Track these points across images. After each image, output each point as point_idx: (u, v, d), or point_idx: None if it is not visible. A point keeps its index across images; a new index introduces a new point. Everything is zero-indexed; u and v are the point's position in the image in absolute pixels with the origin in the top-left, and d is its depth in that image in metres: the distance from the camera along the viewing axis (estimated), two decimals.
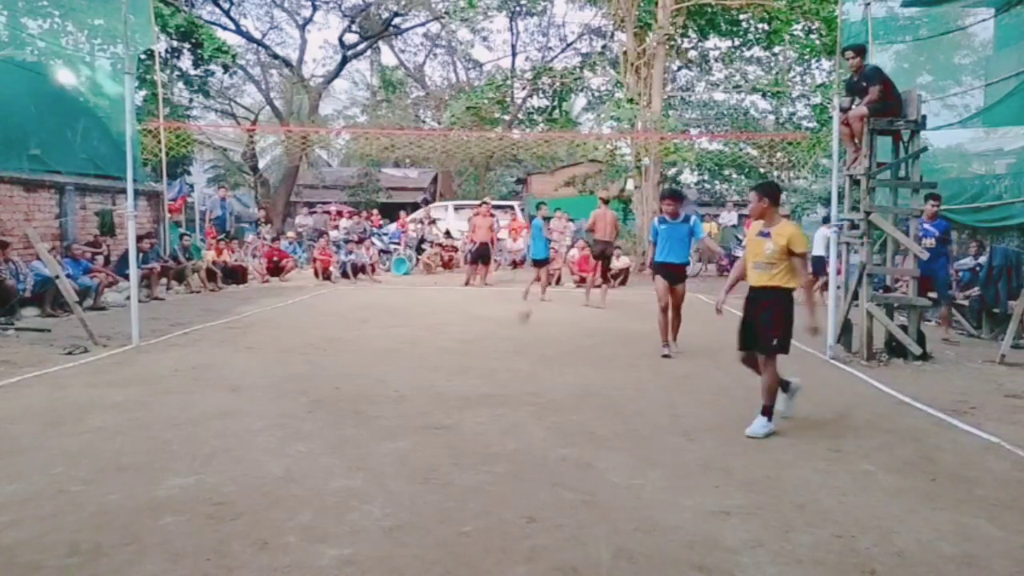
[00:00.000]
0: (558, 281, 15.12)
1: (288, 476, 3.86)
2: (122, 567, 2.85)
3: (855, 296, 7.63)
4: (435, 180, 31.03)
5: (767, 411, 4.76)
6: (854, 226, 7.94)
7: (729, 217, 19.90)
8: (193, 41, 19.14)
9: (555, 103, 23.68)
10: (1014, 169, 11.55)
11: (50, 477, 3.77)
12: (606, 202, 12.29)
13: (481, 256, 14.94)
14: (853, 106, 7.59)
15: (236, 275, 14.41)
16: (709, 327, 9.71)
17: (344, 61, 28.18)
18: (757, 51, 21.59)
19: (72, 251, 10.72)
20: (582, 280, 14.88)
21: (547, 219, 13.90)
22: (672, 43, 18.84)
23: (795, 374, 6.82)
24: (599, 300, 11.66)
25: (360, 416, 5.07)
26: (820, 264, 12.15)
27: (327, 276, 15.22)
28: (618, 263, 14.72)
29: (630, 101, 18.19)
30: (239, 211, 25.83)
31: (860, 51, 7.59)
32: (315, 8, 27.17)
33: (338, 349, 7.59)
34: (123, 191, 9.10)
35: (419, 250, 18.44)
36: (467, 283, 14.82)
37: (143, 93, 17.40)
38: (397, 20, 27.21)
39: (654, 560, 2.98)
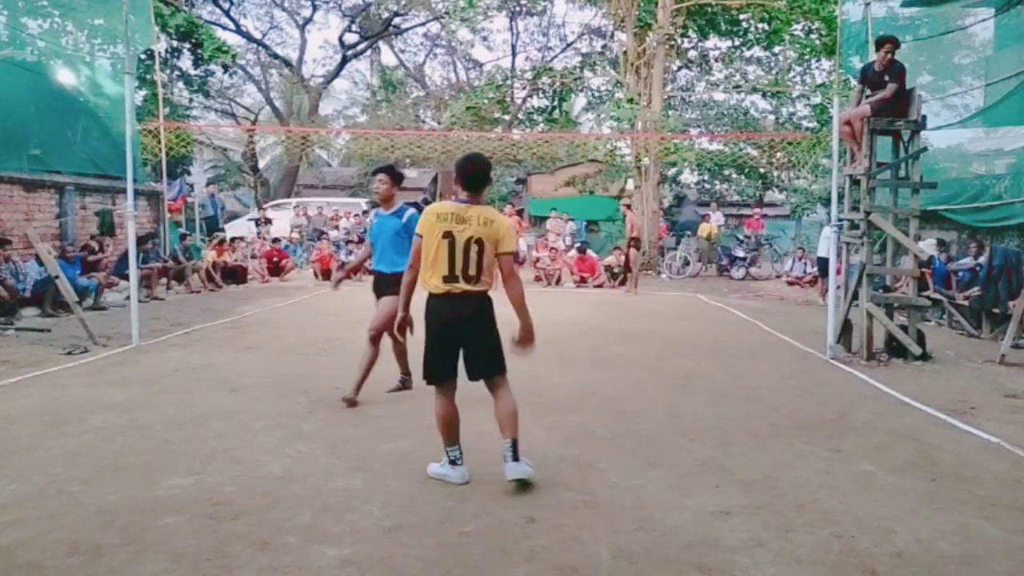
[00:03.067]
0: (558, 281, 15.14)
1: (288, 476, 3.86)
2: (122, 567, 2.85)
3: (855, 296, 7.63)
4: (435, 180, 31.03)
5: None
6: (854, 226, 7.95)
7: (717, 217, 19.88)
8: (193, 41, 19.13)
9: (555, 103, 23.66)
10: (1014, 169, 11.55)
11: (50, 477, 3.77)
12: (628, 207, 15.07)
13: None
14: (863, 96, 7.54)
15: (236, 275, 14.41)
16: (709, 327, 9.72)
17: (344, 61, 28.20)
18: (757, 51, 21.57)
19: (66, 253, 10.70)
20: (582, 280, 14.93)
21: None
22: (672, 43, 18.84)
23: (794, 374, 6.84)
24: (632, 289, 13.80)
25: (360, 416, 5.07)
26: (824, 265, 12.29)
27: (327, 276, 15.22)
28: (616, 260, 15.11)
29: (630, 101, 18.19)
30: (239, 211, 25.87)
31: (897, 45, 7.39)
32: (315, 8, 27.21)
33: (338, 349, 7.59)
34: (123, 191, 9.09)
35: None
36: None
37: (143, 93, 17.40)
38: (397, 20, 27.22)
39: (654, 560, 2.98)
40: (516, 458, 3.70)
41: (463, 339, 3.73)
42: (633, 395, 5.82)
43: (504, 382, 3.80)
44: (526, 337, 3.75)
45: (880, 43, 7.47)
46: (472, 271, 3.63)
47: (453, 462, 3.80)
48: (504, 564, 2.93)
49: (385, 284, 5.33)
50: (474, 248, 3.61)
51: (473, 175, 3.75)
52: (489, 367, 3.79)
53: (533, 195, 27.90)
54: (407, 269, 3.82)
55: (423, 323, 3.79)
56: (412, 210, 5.41)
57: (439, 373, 3.77)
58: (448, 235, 3.62)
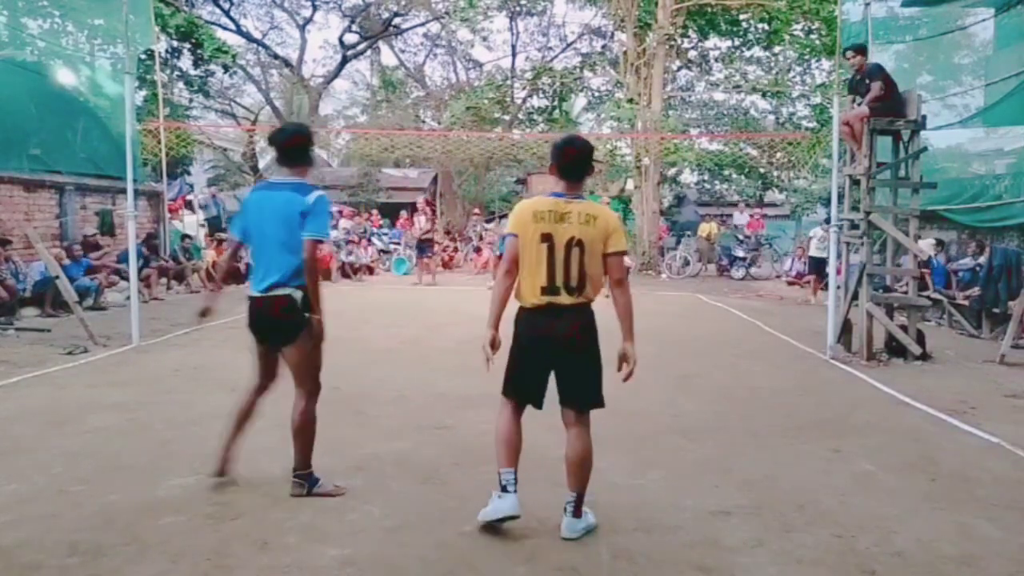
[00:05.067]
0: None
1: (288, 476, 3.85)
2: (122, 567, 2.85)
3: (855, 296, 7.62)
4: (435, 180, 31.03)
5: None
6: (854, 226, 7.95)
7: (742, 218, 19.88)
8: (193, 41, 19.11)
9: (555, 103, 23.69)
10: (1014, 169, 11.55)
11: (50, 477, 3.77)
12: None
13: (423, 251, 15.21)
14: (854, 106, 7.61)
15: (236, 275, 14.38)
16: (709, 327, 9.72)
17: (344, 61, 28.17)
18: (757, 51, 21.60)
19: (73, 252, 10.70)
20: None
21: None
22: (672, 43, 18.85)
23: (794, 374, 6.83)
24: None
25: (360, 416, 5.07)
26: (815, 264, 12.52)
27: (327, 276, 15.23)
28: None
29: (630, 101, 18.20)
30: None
31: (861, 50, 7.63)
32: (315, 8, 27.15)
33: (338, 349, 7.56)
34: (123, 191, 9.09)
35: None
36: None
37: (143, 93, 17.39)
38: (397, 20, 27.20)
39: (654, 560, 2.98)
40: (577, 513, 3.19)
41: (558, 360, 3.14)
42: (633, 395, 5.81)
43: (588, 420, 3.20)
44: (631, 355, 3.24)
45: (854, 52, 7.72)
46: (574, 281, 3.05)
47: (504, 488, 3.14)
48: (504, 564, 2.93)
49: (278, 318, 3.67)
50: (575, 252, 3.03)
51: (575, 161, 3.13)
52: (584, 397, 3.16)
53: (533, 195, 27.93)
54: (503, 275, 3.15)
55: (510, 338, 3.22)
56: (317, 191, 3.57)
57: (522, 394, 3.20)
58: (547, 237, 3.03)
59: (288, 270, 3.47)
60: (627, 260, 14.81)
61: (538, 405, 3.21)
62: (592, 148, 3.24)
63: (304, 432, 3.61)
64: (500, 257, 3.51)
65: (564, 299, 3.07)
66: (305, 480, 3.57)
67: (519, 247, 3.09)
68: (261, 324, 3.60)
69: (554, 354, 3.13)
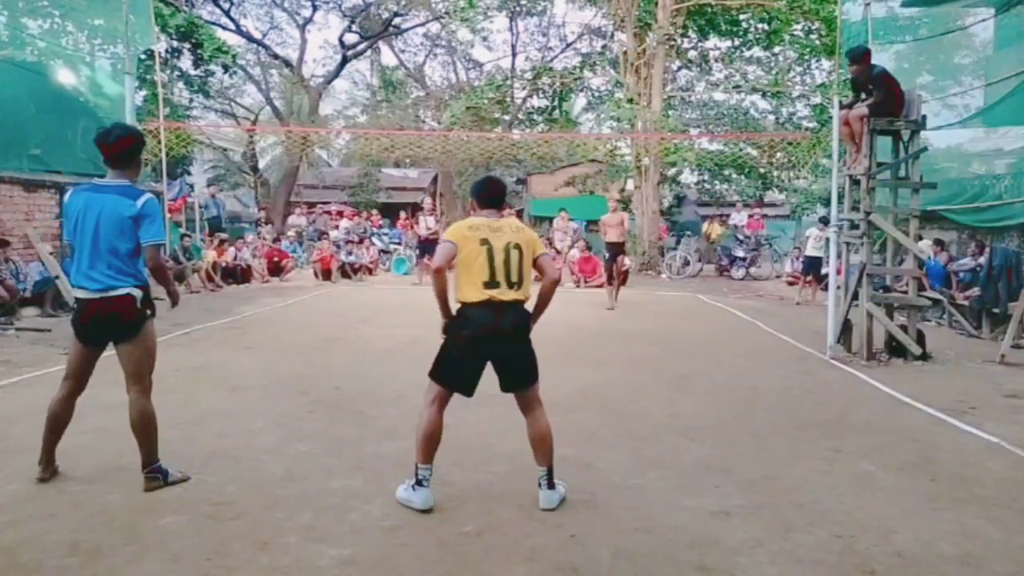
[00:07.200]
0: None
1: (288, 476, 3.86)
2: (122, 567, 2.85)
3: (855, 296, 7.62)
4: (435, 180, 31.04)
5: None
6: (854, 226, 7.95)
7: (739, 217, 19.87)
8: (193, 41, 19.11)
9: (555, 103, 23.68)
10: (1014, 169, 11.55)
11: None
12: (618, 203, 13.28)
13: (428, 252, 14.99)
14: (858, 102, 7.59)
15: (235, 275, 14.40)
16: (709, 327, 9.71)
17: (344, 61, 28.17)
18: (757, 51, 21.57)
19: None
20: (585, 280, 14.91)
21: None
22: (672, 43, 18.85)
23: (794, 374, 6.83)
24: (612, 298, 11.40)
25: (360, 416, 5.07)
26: (810, 264, 12.58)
27: (327, 276, 15.23)
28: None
29: (630, 101, 18.19)
30: (239, 211, 25.87)
31: (858, 58, 7.53)
32: (315, 8, 27.16)
33: (338, 349, 7.59)
34: None
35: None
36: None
37: (143, 93, 17.38)
38: (397, 20, 27.20)
39: (654, 560, 2.98)
40: (551, 486, 3.53)
41: (499, 353, 3.53)
42: (633, 395, 5.82)
43: (537, 399, 3.60)
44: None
45: (849, 61, 7.65)
46: (514, 276, 3.48)
47: (420, 482, 3.46)
48: (504, 564, 2.93)
49: (107, 324, 3.65)
50: (514, 253, 3.49)
51: (495, 195, 3.71)
52: (529, 377, 3.59)
53: (533, 195, 27.91)
54: (435, 273, 3.49)
55: (449, 332, 3.62)
56: (147, 196, 3.59)
57: (456, 383, 3.55)
58: (485, 242, 3.46)
59: (121, 272, 3.56)
60: (627, 260, 14.52)
61: (470, 394, 3.57)
62: (505, 184, 3.87)
63: (147, 428, 3.69)
64: None
65: (506, 294, 3.47)
66: (159, 473, 3.68)
67: (455, 251, 3.47)
68: (94, 325, 3.62)
69: (498, 348, 3.51)
